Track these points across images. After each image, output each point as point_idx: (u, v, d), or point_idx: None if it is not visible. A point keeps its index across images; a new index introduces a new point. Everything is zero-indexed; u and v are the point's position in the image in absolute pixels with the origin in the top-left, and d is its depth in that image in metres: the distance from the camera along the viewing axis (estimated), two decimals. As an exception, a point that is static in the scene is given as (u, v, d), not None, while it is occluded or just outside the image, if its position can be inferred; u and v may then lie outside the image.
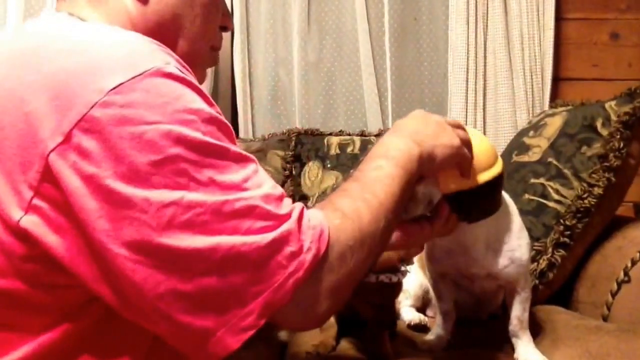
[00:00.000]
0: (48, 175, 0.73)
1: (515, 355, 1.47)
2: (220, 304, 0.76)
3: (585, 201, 1.84)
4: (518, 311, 1.49)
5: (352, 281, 0.87)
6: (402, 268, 1.40)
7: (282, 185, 2.49)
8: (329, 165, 2.44)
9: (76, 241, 0.75)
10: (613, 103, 1.95)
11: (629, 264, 1.71)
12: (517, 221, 1.47)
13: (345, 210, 0.88)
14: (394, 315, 1.49)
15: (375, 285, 1.37)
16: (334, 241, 0.83)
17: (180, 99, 0.76)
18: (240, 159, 0.80)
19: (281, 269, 0.77)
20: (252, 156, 0.82)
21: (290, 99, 2.81)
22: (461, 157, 1.10)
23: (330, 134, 2.59)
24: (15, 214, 0.74)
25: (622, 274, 1.71)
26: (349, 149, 2.46)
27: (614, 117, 1.91)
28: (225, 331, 0.76)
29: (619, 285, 1.71)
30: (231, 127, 0.83)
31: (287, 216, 0.79)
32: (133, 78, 0.74)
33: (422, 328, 1.70)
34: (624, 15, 2.71)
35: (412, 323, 1.72)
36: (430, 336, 1.57)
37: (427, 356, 1.50)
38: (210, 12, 1.04)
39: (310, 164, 2.49)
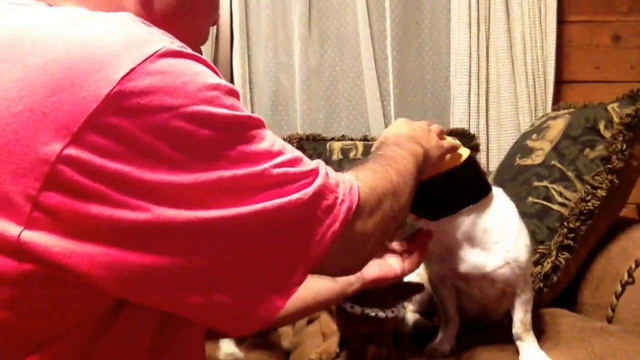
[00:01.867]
0: (53, 182, 0.65)
1: (520, 358, 1.47)
2: (270, 267, 0.75)
3: (589, 203, 1.84)
4: (520, 314, 1.49)
5: (384, 229, 0.90)
6: (395, 308, 1.37)
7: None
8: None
9: (94, 248, 0.68)
10: (615, 105, 1.96)
11: (633, 266, 1.71)
12: (514, 223, 1.47)
13: (374, 169, 0.93)
14: (385, 348, 1.45)
15: (360, 318, 1.35)
16: (365, 193, 0.85)
17: (197, 75, 0.71)
18: (260, 124, 0.77)
19: (320, 223, 0.77)
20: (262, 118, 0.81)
21: (291, 104, 2.81)
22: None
23: (333, 139, 2.59)
24: (11, 229, 0.66)
25: (626, 275, 1.71)
26: (351, 154, 2.46)
27: (616, 119, 1.91)
28: (275, 293, 0.75)
29: (623, 286, 1.71)
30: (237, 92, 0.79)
31: (316, 171, 0.79)
32: (144, 61, 0.67)
33: (426, 333, 1.70)
34: (626, 17, 2.72)
35: (416, 328, 1.72)
36: (434, 342, 1.57)
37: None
38: (210, 10, 1.00)
39: (313, 169, 2.48)
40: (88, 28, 0.70)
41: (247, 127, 0.74)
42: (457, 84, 2.66)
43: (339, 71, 2.80)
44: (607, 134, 1.92)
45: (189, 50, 0.73)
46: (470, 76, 2.66)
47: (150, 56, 0.68)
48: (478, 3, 2.64)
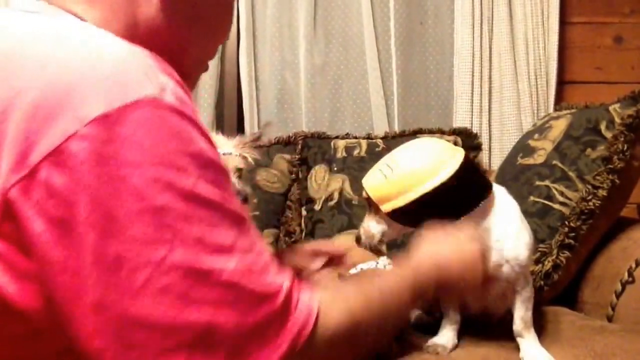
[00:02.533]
0: (8, 214, 0.61)
1: (521, 355, 1.48)
2: None
3: (590, 203, 1.85)
4: (521, 311, 1.51)
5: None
6: None
7: (289, 189, 2.51)
8: (335, 169, 2.45)
9: (41, 289, 0.64)
10: (617, 106, 1.97)
11: (633, 265, 1.72)
12: (515, 222, 1.49)
13: (341, 298, 0.80)
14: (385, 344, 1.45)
15: None
16: (320, 326, 0.72)
17: (174, 138, 0.64)
18: (232, 215, 0.68)
19: (258, 352, 0.67)
20: (243, 210, 0.71)
21: (296, 103, 2.82)
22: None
23: (337, 137, 2.60)
24: None
25: (626, 274, 1.72)
26: (355, 152, 2.47)
27: (617, 120, 1.92)
28: None
29: (624, 286, 1.72)
30: (228, 171, 0.73)
31: (274, 294, 0.68)
32: (121, 107, 0.61)
33: (427, 329, 1.71)
34: (628, 19, 2.73)
35: (418, 324, 1.73)
36: (436, 338, 1.58)
37: (433, 358, 1.52)
38: (229, 18, 0.92)
39: (317, 167, 2.50)
40: (80, 53, 0.66)
41: (211, 209, 0.65)
42: (460, 84, 2.67)
43: (343, 70, 2.81)
44: (608, 135, 1.93)
45: (182, 104, 0.66)
46: (473, 76, 2.67)
47: (130, 103, 0.62)
48: (481, 4, 2.64)
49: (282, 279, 0.70)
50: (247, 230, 0.70)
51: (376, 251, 1.47)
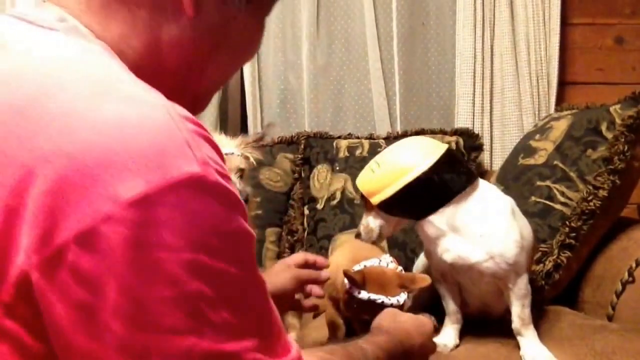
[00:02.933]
0: (25, 294, 0.56)
1: (521, 353, 1.50)
2: None
3: (591, 203, 1.86)
4: (517, 309, 1.53)
5: None
6: (399, 297, 1.42)
7: (292, 188, 2.53)
8: (337, 168, 2.46)
9: None
10: (618, 107, 1.98)
11: (634, 265, 1.73)
12: (503, 218, 1.53)
13: None
14: None
15: (365, 303, 1.41)
16: None
17: (211, 218, 0.59)
18: (257, 295, 0.66)
19: None
20: (263, 276, 0.69)
21: (299, 103, 2.83)
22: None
23: (339, 137, 2.61)
24: None
25: (626, 274, 1.73)
26: (357, 152, 2.48)
27: (618, 121, 1.93)
28: None
29: (624, 285, 1.73)
30: (254, 237, 0.67)
31: None
32: (162, 187, 0.56)
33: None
34: (629, 20, 2.73)
35: None
36: (437, 337, 1.60)
37: (434, 356, 1.53)
38: (256, 45, 0.86)
39: (319, 166, 2.51)
40: (116, 116, 0.58)
41: (239, 289, 0.63)
42: (462, 85, 2.68)
43: (346, 71, 2.81)
44: (609, 135, 1.94)
45: (222, 177, 0.61)
46: (474, 77, 2.67)
47: (170, 183, 0.56)
48: (483, 5, 2.65)
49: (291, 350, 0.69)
50: (267, 302, 0.67)
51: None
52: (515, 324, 1.53)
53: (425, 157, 1.49)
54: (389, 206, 1.51)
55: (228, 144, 1.70)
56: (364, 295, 1.41)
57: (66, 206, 0.54)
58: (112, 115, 0.58)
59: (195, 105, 0.82)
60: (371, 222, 1.56)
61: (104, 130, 0.56)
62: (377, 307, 1.39)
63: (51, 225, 0.55)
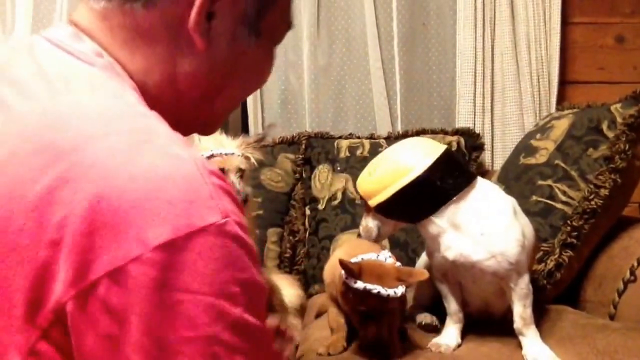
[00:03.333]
0: (60, 321, 0.61)
1: (523, 352, 1.50)
2: None
3: (592, 202, 1.86)
4: (519, 308, 1.53)
5: None
6: (395, 289, 1.42)
7: (293, 188, 2.53)
8: (338, 168, 2.46)
9: None
10: (618, 106, 1.97)
11: (635, 264, 1.73)
12: (504, 217, 1.52)
13: None
14: (385, 329, 1.47)
15: (362, 293, 1.41)
16: None
17: (232, 266, 0.64)
18: (268, 336, 0.72)
19: None
20: (270, 333, 0.76)
21: (300, 103, 2.83)
22: None
23: (340, 137, 2.61)
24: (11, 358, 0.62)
25: (628, 273, 1.73)
26: (358, 152, 2.48)
27: (619, 120, 1.93)
28: None
29: (625, 284, 1.73)
30: (266, 289, 0.72)
31: None
32: (188, 234, 0.61)
33: (432, 328, 1.73)
34: (629, 19, 2.73)
35: (422, 323, 1.74)
36: (439, 338, 1.60)
37: (436, 356, 1.53)
38: (264, 76, 0.92)
39: (320, 167, 2.51)
40: (151, 167, 0.63)
41: (253, 337, 0.67)
42: (463, 84, 2.68)
43: (347, 71, 2.82)
44: (610, 134, 1.94)
45: (241, 229, 0.66)
46: (475, 76, 2.68)
47: (195, 231, 0.61)
48: (483, 4, 2.65)
49: None
50: (277, 356, 0.73)
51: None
52: (517, 324, 1.53)
53: (422, 159, 1.49)
54: (386, 209, 1.52)
55: (229, 144, 1.70)
56: (359, 285, 1.41)
57: (101, 246, 0.59)
58: (147, 166, 0.63)
59: (205, 129, 0.92)
60: (370, 223, 1.58)
61: (140, 179, 0.62)
62: (373, 298, 1.40)
63: (86, 262, 0.60)
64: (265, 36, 0.84)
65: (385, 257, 1.50)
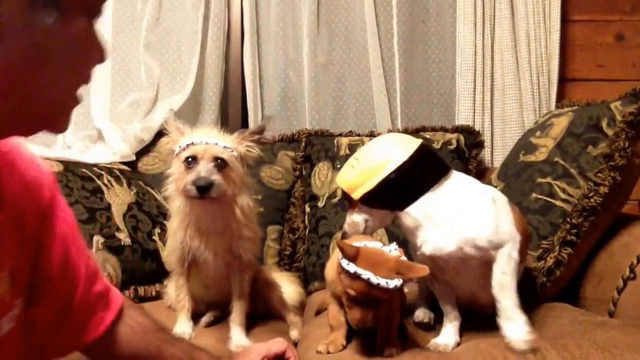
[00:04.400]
0: None
1: (498, 320, 1.50)
2: None
3: (592, 200, 1.86)
4: (497, 275, 1.53)
5: None
6: (389, 280, 1.40)
7: (293, 186, 2.53)
8: (338, 166, 2.46)
9: None
10: (618, 103, 1.97)
11: (635, 261, 1.73)
12: (475, 208, 1.55)
13: None
14: (368, 320, 1.45)
15: (352, 276, 1.41)
16: None
17: None
18: None
19: None
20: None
21: (300, 101, 2.84)
22: None
23: (340, 135, 2.62)
24: None
25: (627, 270, 1.73)
26: (358, 150, 2.48)
27: (619, 117, 1.93)
28: None
29: (625, 281, 1.73)
30: None
31: None
32: None
33: (427, 326, 1.74)
34: (629, 16, 2.74)
35: (416, 321, 1.75)
36: (438, 338, 1.60)
37: (435, 356, 1.53)
38: (87, 58, 0.82)
39: (320, 164, 2.52)
40: None
41: None
42: (463, 82, 2.69)
43: (346, 68, 2.82)
44: (609, 132, 1.94)
45: None
46: (475, 74, 2.68)
47: None
48: (483, 2, 2.66)
49: None
50: None
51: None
52: (494, 289, 1.52)
53: (403, 150, 1.55)
54: (371, 199, 1.56)
55: (224, 139, 1.70)
56: (351, 267, 1.40)
57: None
58: None
59: (49, 124, 0.82)
60: (355, 218, 1.60)
61: None
62: (362, 284, 1.40)
63: None
64: (69, 9, 0.75)
65: (391, 249, 1.50)
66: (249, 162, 1.77)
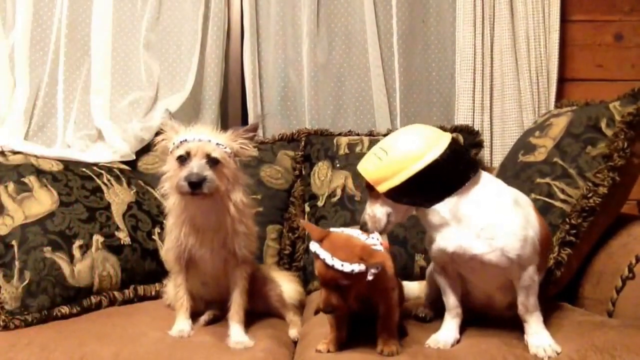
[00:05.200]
0: None
1: (525, 338, 1.51)
2: None
3: (591, 200, 1.87)
4: (521, 297, 1.54)
5: None
6: (347, 263, 1.40)
7: (292, 185, 2.54)
8: (338, 165, 2.47)
9: None
10: (617, 103, 1.98)
11: (633, 261, 1.74)
12: (506, 213, 1.53)
13: None
14: (344, 303, 1.46)
15: (315, 256, 1.44)
16: None
17: None
18: None
19: None
20: None
21: (300, 100, 2.84)
22: None
23: (340, 134, 2.62)
24: None
25: (626, 270, 1.74)
26: (357, 149, 2.48)
27: (617, 118, 1.94)
28: None
29: (624, 281, 1.74)
30: None
31: None
32: None
33: (422, 319, 1.77)
34: (628, 17, 2.74)
35: (413, 314, 1.78)
36: (437, 334, 1.60)
37: (435, 352, 1.53)
38: None
39: (320, 163, 2.52)
40: None
41: None
42: (462, 82, 2.69)
43: (346, 68, 2.82)
44: (608, 132, 1.94)
45: None
46: (474, 74, 2.68)
47: None
48: (483, 2, 2.66)
49: None
50: None
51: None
52: (520, 310, 1.54)
53: (434, 145, 1.49)
54: (397, 194, 1.50)
55: (217, 137, 1.71)
56: (312, 247, 1.44)
57: None
58: None
59: None
60: (378, 212, 1.55)
61: None
62: (320, 264, 1.43)
63: None
64: None
65: (376, 238, 1.51)
66: (243, 159, 1.78)
